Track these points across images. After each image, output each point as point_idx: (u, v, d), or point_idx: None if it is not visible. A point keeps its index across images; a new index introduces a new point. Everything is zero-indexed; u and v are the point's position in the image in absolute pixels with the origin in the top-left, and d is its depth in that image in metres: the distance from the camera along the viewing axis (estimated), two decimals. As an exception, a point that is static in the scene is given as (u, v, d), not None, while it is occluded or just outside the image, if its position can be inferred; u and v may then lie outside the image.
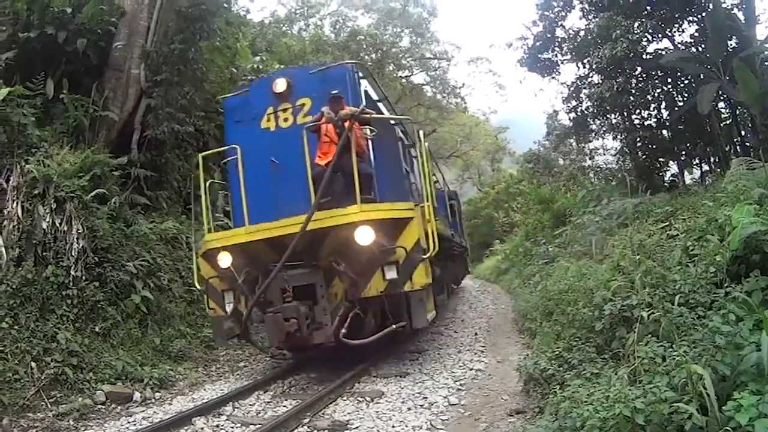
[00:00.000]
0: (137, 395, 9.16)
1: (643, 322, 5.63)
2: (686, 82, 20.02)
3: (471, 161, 47.31)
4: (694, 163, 22.13)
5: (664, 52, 19.90)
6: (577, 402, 4.72)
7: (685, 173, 21.53)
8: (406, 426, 6.74)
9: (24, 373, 8.42)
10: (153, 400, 9.21)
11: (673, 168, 22.21)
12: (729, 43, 17.39)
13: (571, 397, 4.95)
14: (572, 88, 23.20)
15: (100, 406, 8.70)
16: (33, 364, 8.62)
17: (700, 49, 19.21)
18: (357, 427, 6.75)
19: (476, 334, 12.38)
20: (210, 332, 11.75)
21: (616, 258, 8.35)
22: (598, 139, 25.42)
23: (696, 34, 19.88)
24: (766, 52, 16.29)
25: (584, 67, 22.43)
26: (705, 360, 4.00)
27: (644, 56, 20.00)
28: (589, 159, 27.69)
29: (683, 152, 21.40)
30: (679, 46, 20.18)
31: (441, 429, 6.70)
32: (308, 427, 6.78)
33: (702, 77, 17.59)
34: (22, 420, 7.87)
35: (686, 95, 19.93)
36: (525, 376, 7.25)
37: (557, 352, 6.85)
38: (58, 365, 8.81)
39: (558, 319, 8.32)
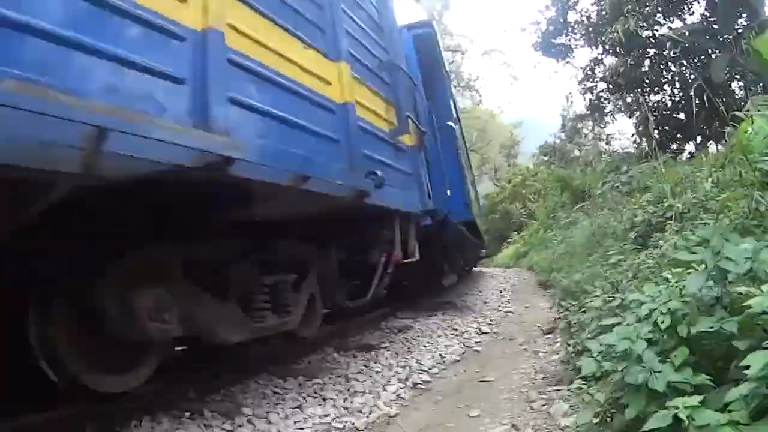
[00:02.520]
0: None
1: (677, 218, 5.45)
2: (699, 62, 19.88)
3: (487, 156, 46.95)
4: (709, 145, 21.90)
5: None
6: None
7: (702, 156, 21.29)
8: (438, 346, 6.54)
9: None
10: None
11: (690, 148, 21.98)
12: (740, 21, 17.29)
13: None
14: (586, 69, 23.10)
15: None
16: None
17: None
18: (386, 347, 6.54)
19: (501, 292, 12.16)
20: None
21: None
22: (613, 122, 25.21)
23: (706, 13, 19.77)
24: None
25: (597, 48, 22.31)
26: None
27: (656, 33, 19.94)
28: (606, 144, 27.50)
29: (699, 135, 21.17)
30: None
31: (475, 348, 6.49)
32: (335, 347, 6.56)
33: (713, 52, 17.49)
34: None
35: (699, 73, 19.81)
36: (560, 291, 7.03)
37: (590, 266, 6.63)
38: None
39: (587, 246, 8.12)
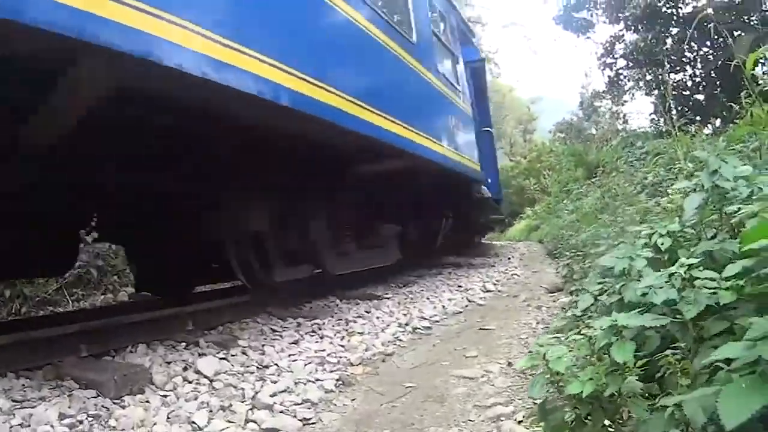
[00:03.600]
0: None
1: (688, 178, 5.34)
2: (722, 42, 19.60)
3: (503, 130, 46.47)
4: (728, 128, 21.52)
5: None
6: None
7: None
8: (441, 299, 6.52)
9: (47, 271, 8.31)
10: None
11: (708, 130, 21.65)
12: (766, 2, 17.03)
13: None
14: (606, 45, 22.82)
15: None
16: (58, 262, 8.49)
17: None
18: (390, 298, 6.53)
19: (509, 259, 12.11)
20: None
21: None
22: (632, 100, 24.89)
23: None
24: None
25: (618, 24, 22.02)
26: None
27: (679, 11, 19.70)
28: (623, 122, 27.22)
29: (718, 117, 20.90)
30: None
31: (479, 302, 6.46)
32: (339, 296, 6.57)
33: (738, 33, 17.20)
34: (42, 311, 7.71)
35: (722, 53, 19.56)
36: (567, 248, 6.98)
37: (601, 222, 6.57)
38: (83, 264, 8.66)
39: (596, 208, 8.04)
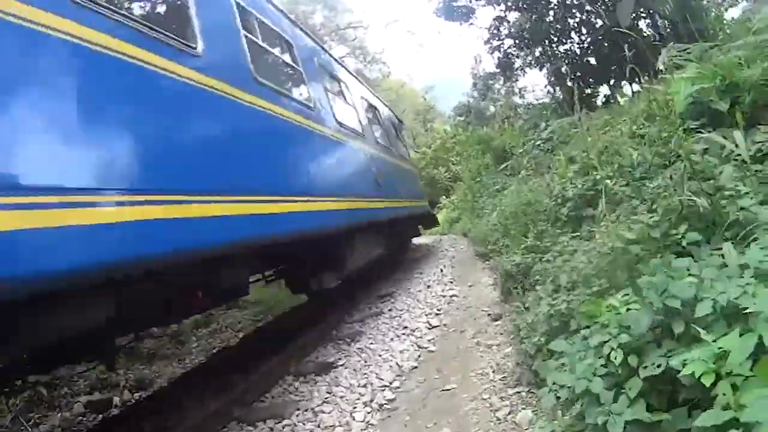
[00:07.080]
0: (116, 400, 8.74)
1: (608, 192, 5.59)
2: (604, 7, 20.21)
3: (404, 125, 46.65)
4: (623, 85, 22.33)
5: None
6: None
7: (618, 97, 21.70)
8: (393, 353, 6.60)
9: (-3, 405, 8.03)
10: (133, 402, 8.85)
11: (605, 90, 22.31)
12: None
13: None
14: (491, 29, 23.20)
15: (81, 418, 8.29)
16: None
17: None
18: (344, 365, 6.58)
19: (441, 270, 12.28)
20: (176, 328, 11.42)
21: (568, 156, 8.35)
22: (524, 75, 25.47)
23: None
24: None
25: (500, 6, 22.41)
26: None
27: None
28: (520, 98, 27.83)
29: (612, 77, 21.55)
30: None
31: (429, 348, 6.60)
32: (294, 373, 6.57)
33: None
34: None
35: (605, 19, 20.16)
36: (503, 274, 7.19)
37: (528, 245, 6.82)
38: (30, 386, 8.41)
39: (522, 219, 8.29)
